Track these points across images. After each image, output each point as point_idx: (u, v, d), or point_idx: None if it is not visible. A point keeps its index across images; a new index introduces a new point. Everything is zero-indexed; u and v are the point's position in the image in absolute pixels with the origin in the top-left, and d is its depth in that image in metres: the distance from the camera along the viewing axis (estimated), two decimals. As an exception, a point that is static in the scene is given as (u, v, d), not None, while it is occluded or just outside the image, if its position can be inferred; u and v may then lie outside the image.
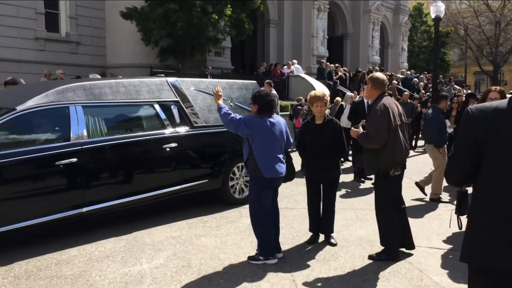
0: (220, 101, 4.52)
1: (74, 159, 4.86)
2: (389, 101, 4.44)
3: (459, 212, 4.55)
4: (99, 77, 7.44)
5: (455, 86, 26.24)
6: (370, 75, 4.70)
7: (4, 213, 4.43)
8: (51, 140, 4.92)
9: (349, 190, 7.87)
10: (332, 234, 5.11)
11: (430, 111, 7.14)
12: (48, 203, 4.75)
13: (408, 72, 24.69)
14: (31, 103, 4.81)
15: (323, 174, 4.95)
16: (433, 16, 15.38)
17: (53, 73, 13.55)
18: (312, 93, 5.02)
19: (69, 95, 5.11)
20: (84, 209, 4.99)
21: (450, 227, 4.44)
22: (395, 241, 4.58)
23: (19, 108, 4.70)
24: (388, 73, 22.88)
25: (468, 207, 2.35)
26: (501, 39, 35.60)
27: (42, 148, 4.76)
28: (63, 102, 5.03)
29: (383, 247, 4.60)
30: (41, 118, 4.95)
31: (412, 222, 5.84)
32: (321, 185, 5.04)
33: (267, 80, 12.52)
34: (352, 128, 4.71)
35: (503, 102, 2.02)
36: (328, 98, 5.07)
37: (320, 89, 17.23)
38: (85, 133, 5.07)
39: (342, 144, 4.99)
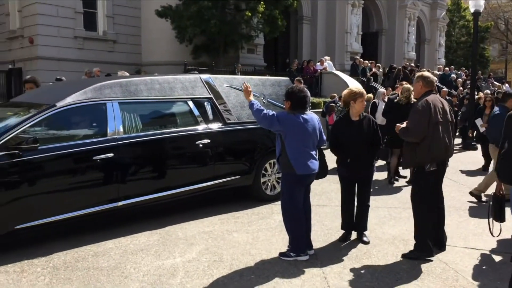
0: (251, 98, 4.48)
1: (111, 154, 4.99)
2: (434, 98, 4.48)
3: (500, 218, 4.44)
4: (127, 74, 7.58)
5: (495, 82, 25.40)
6: (421, 73, 4.75)
7: (44, 206, 4.59)
8: (89, 136, 5.07)
9: (383, 188, 7.75)
10: (365, 232, 5.06)
11: (496, 109, 6.90)
12: (86, 197, 4.89)
13: (447, 68, 23.99)
14: (70, 99, 4.96)
15: (359, 172, 4.91)
16: (472, 10, 14.92)
17: (91, 71, 13.89)
18: (355, 88, 4.97)
19: (106, 92, 5.25)
20: (120, 203, 5.12)
21: (493, 235, 4.36)
22: (429, 237, 4.52)
23: (59, 104, 4.86)
24: (424, 69, 22.35)
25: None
26: (545, 33, 34.21)
27: (80, 143, 4.91)
28: (101, 99, 5.17)
29: (415, 242, 4.54)
30: (80, 114, 5.11)
31: (449, 221, 5.70)
32: (356, 182, 4.99)
33: (297, 77, 12.47)
34: (397, 124, 4.66)
35: None
36: None
37: (354, 85, 17.02)
38: (121, 129, 5.19)
39: (378, 141, 4.97)
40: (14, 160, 4.36)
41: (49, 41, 16.85)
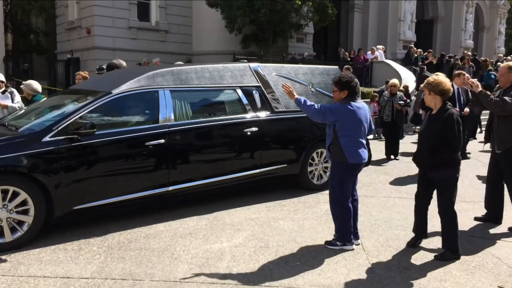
0: (295, 96, 4.38)
1: (162, 141, 5.14)
2: None
3: None
4: (124, 63, 7.75)
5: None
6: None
7: (100, 188, 4.82)
8: (142, 122, 5.24)
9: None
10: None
11: None
12: (138, 181, 5.08)
13: (509, 57, 22.67)
14: (125, 87, 5.15)
15: (425, 171, 4.37)
16: (536, -5, 14.09)
17: (150, 61, 13.97)
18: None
19: (158, 80, 5.41)
20: (170, 188, 5.28)
21: None
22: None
23: (114, 91, 5.06)
24: (482, 58, 21.37)
25: None
26: None
27: (134, 129, 5.08)
28: (153, 87, 5.33)
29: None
30: (134, 101, 5.29)
31: (505, 216, 5.50)
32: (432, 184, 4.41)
33: (346, 66, 12.29)
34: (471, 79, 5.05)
35: None
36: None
37: (405, 76, 16.53)
38: (172, 116, 5.33)
39: (452, 139, 4.10)
40: (73, 144, 4.59)
41: (105, 31, 17.48)
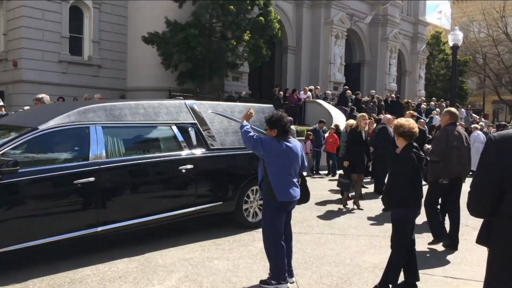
0: (245, 120, 4.66)
1: (92, 179, 4.94)
2: (452, 129, 5.82)
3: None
4: (47, 96, 7.49)
5: (473, 114, 26.05)
6: (449, 109, 6.16)
7: (22, 231, 4.50)
8: (70, 159, 5.02)
9: (364, 216, 7.78)
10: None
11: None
12: (66, 222, 4.81)
13: (432, 103, 23.88)
14: (53, 122, 4.93)
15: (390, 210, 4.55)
16: (451, 44, 15.48)
17: (92, 97, 13.30)
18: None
19: (90, 115, 5.24)
20: (99, 229, 5.04)
21: None
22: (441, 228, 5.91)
23: (41, 127, 4.83)
24: (405, 100, 22.84)
25: None
26: (521, 68, 35.40)
27: (61, 167, 4.85)
28: (84, 122, 5.15)
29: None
30: (62, 137, 5.07)
31: (427, 251, 5.77)
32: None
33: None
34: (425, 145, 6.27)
35: None
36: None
37: (336, 115, 17.28)
38: (103, 153, 5.16)
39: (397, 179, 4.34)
40: (-7, 182, 4.29)
41: (33, 64, 16.79)
